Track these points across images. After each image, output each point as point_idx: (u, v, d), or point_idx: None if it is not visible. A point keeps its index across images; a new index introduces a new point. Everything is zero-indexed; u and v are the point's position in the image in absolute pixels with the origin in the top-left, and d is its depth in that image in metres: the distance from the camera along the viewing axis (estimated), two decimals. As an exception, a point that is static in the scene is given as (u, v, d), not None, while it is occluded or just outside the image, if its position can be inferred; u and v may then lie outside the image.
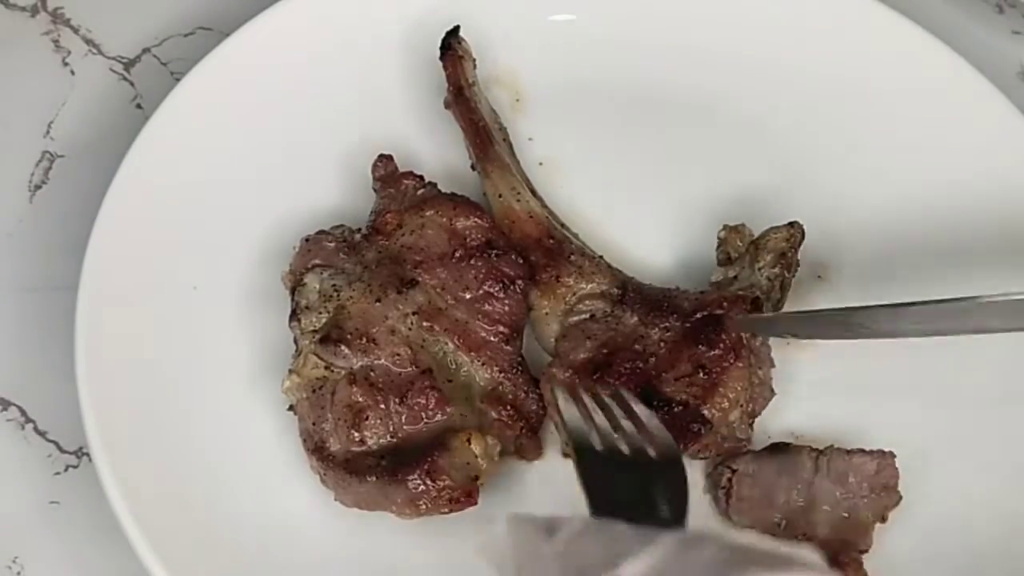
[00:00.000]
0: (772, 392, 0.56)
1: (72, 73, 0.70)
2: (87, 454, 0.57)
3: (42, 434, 0.59)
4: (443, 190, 0.60)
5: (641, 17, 0.68)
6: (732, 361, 0.55)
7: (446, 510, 0.51)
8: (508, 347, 0.55)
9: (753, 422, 0.55)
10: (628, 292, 0.58)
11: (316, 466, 0.53)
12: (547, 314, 0.58)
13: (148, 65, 0.70)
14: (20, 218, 0.65)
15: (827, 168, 0.62)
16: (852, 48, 0.66)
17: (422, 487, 0.51)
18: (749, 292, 0.56)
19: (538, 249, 0.59)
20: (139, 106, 0.69)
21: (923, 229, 0.62)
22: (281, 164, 0.63)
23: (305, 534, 0.53)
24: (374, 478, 0.51)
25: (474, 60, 0.63)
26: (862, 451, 0.54)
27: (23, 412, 0.59)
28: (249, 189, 0.62)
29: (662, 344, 0.56)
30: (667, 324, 0.56)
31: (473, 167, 0.62)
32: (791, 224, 0.58)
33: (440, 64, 0.63)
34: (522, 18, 0.68)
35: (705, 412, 0.54)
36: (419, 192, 0.59)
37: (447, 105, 0.63)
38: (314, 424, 0.53)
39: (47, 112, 0.68)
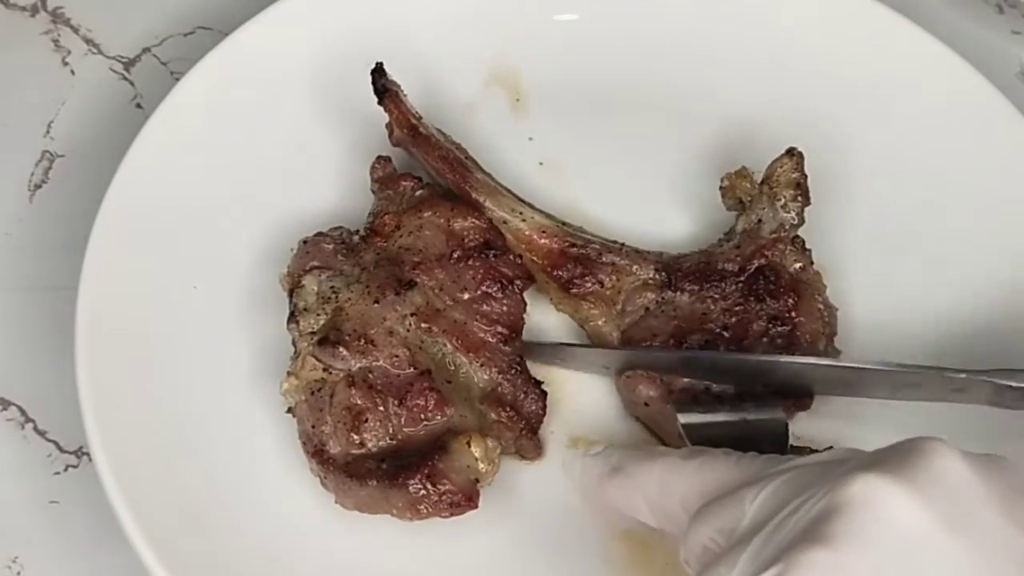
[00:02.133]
0: (835, 308, 0.57)
1: (72, 73, 0.70)
2: (87, 454, 0.57)
3: (42, 434, 0.59)
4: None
5: (644, 17, 0.67)
6: (797, 300, 0.56)
7: (447, 514, 0.51)
8: (507, 347, 0.55)
9: (834, 341, 0.57)
10: (670, 273, 0.57)
11: (316, 469, 0.53)
12: (605, 322, 0.58)
13: (148, 65, 0.70)
14: (20, 218, 0.65)
15: (826, 168, 0.62)
16: (852, 48, 0.66)
17: (423, 491, 0.51)
18: (783, 232, 0.57)
19: (567, 261, 0.58)
20: (139, 106, 0.69)
21: (921, 229, 0.62)
22: (280, 165, 0.63)
23: (305, 535, 0.53)
24: (374, 482, 0.51)
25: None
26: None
27: (23, 412, 0.59)
28: (248, 189, 0.61)
29: (727, 313, 0.56)
30: (722, 291, 0.57)
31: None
32: (790, 152, 0.58)
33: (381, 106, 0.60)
34: (523, 17, 0.67)
35: None
36: (417, 193, 0.59)
37: (396, 144, 0.61)
38: (313, 427, 0.53)
39: (47, 112, 0.68)
